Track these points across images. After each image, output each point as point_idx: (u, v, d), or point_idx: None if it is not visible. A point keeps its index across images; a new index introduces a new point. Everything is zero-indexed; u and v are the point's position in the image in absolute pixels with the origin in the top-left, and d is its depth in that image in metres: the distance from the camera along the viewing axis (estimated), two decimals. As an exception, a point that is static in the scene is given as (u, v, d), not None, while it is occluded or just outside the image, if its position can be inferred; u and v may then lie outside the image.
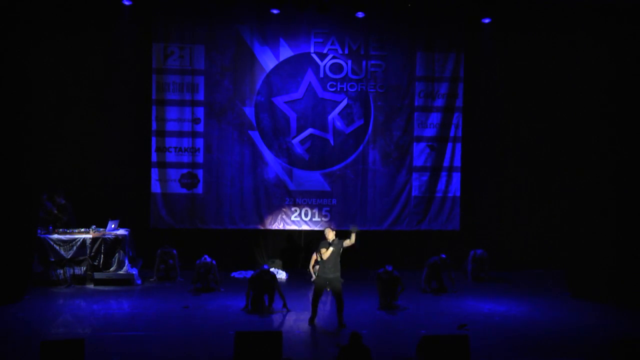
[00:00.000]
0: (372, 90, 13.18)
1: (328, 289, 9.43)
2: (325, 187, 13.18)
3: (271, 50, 12.94)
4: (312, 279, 9.40)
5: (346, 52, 13.09)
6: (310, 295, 9.63)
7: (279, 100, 13.01)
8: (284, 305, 9.99)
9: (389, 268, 10.20)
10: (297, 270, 13.01)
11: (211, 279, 11.23)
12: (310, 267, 11.39)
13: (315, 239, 12.59)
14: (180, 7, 12.69)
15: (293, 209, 13.12)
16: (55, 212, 11.81)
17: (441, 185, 13.38)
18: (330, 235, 9.16)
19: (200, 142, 12.92)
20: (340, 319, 9.17)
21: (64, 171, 12.38)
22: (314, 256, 11.27)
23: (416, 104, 13.27)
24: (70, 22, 12.25)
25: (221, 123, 12.95)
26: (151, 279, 11.80)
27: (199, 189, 12.95)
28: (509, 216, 13.48)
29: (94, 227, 11.74)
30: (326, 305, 10.26)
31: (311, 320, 9.34)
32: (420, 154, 13.33)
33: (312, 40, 13.02)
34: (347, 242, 9.09)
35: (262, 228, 13.13)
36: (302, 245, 13.32)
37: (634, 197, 10.83)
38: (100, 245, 11.41)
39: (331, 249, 9.06)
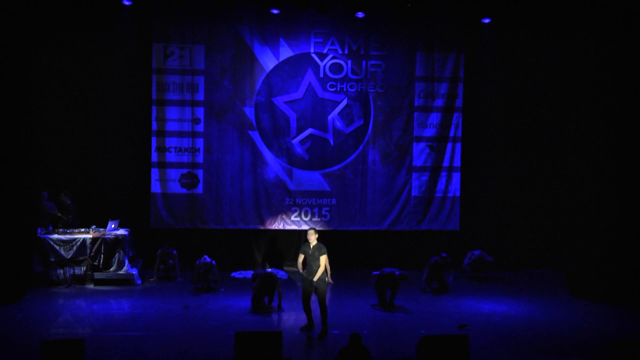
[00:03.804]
0: (372, 90, 13.18)
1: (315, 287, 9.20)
2: (325, 187, 13.18)
3: (271, 50, 12.95)
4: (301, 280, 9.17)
5: (346, 52, 13.09)
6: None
7: (279, 100, 13.02)
8: (279, 305, 10.03)
9: (392, 271, 10.26)
10: (296, 269, 13.03)
11: (211, 279, 11.23)
12: (299, 265, 11.42)
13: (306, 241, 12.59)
14: (180, 7, 12.70)
15: (293, 208, 13.12)
16: (55, 211, 11.81)
17: (441, 185, 13.39)
18: (312, 237, 9.00)
19: (200, 142, 12.92)
20: (324, 325, 8.85)
21: (64, 171, 12.39)
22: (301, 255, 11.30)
23: (416, 104, 13.28)
24: (71, 22, 12.26)
25: (221, 123, 12.96)
26: (151, 279, 11.81)
27: (199, 189, 12.95)
28: (509, 216, 13.48)
29: (94, 227, 11.74)
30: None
31: (304, 329, 9.05)
32: (420, 154, 13.33)
33: (312, 40, 13.02)
34: (323, 261, 8.90)
35: (262, 228, 13.13)
36: (301, 245, 13.28)
37: (634, 197, 10.83)
38: (100, 245, 11.42)
39: (302, 256, 9.08)
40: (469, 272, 12.47)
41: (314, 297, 9.03)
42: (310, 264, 9.01)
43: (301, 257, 9.18)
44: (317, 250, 8.95)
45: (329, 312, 9.07)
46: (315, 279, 8.85)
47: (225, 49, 12.88)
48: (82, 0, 12.22)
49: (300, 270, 9.17)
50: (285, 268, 13.05)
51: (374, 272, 10.51)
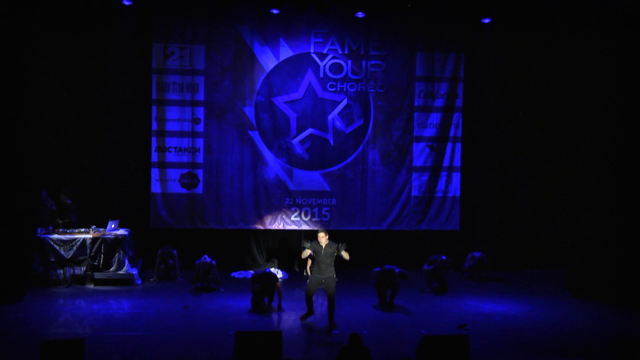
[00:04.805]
0: (372, 90, 13.18)
1: (323, 287, 9.42)
2: (325, 187, 13.18)
3: (271, 50, 12.95)
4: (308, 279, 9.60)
5: (346, 52, 13.09)
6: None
7: (279, 100, 13.02)
8: (279, 305, 10.06)
9: (393, 268, 10.29)
10: (296, 269, 13.05)
11: (211, 279, 11.24)
12: (307, 265, 11.50)
13: (314, 239, 12.60)
14: (180, 7, 12.69)
15: (293, 208, 13.12)
16: (55, 209, 11.81)
17: (441, 185, 13.39)
18: (323, 240, 9.23)
19: (200, 142, 12.92)
20: (331, 320, 9.24)
21: (64, 171, 12.39)
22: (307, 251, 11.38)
23: (416, 104, 13.27)
24: (71, 22, 12.25)
25: (221, 123, 12.96)
26: (151, 279, 11.81)
27: (199, 189, 12.95)
28: (509, 216, 13.48)
29: (94, 227, 11.74)
30: (324, 306, 10.27)
31: (304, 317, 9.44)
32: (420, 153, 13.33)
33: (312, 40, 13.02)
34: (344, 254, 9.24)
35: (262, 228, 13.13)
36: (301, 245, 13.30)
37: (633, 197, 10.83)
38: (100, 245, 11.41)
39: (308, 251, 9.34)
40: (469, 272, 12.48)
41: (315, 297, 9.13)
42: (322, 262, 9.21)
43: (306, 252, 9.40)
44: (330, 248, 9.22)
45: (327, 312, 9.35)
46: (345, 255, 9.15)
47: (225, 49, 12.88)
48: (82, 1, 12.21)
49: (308, 270, 9.35)
50: (296, 268, 13.05)
51: (375, 270, 10.51)
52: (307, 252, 9.47)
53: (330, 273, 9.25)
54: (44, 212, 11.59)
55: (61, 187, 11.97)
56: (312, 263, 11.48)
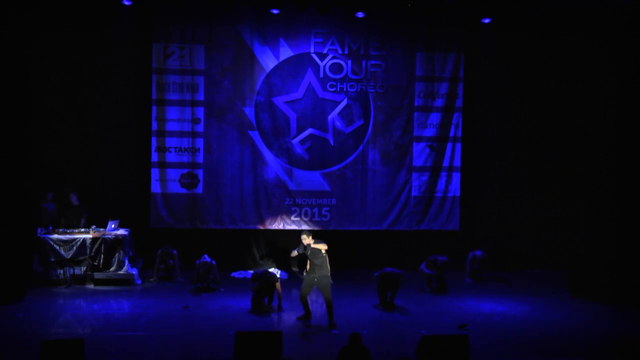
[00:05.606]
0: (372, 90, 13.18)
1: (317, 287, 9.47)
2: (325, 187, 13.18)
3: (271, 50, 12.95)
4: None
5: (346, 52, 13.09)
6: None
7: (279, 100, 13.02)
8: (279, 305, 10.06)
9: (392, 271, 10.28)
10: (295, 269, 13.05)
11: (211, 279, 11.24)
12: (307, 265, 11.52)
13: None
14: (180, 7, 12.69)
15: (293, 209, 13.11)
16: (55, 210, 11.81)
17: (441, 185, 13.39)
18: (307, 240, 9.38)
19: (200, 142, 12.92)
20: (331, 319, 9.27)
21: (64, 171, 12.38)
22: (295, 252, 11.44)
23: (416, 104, 13.27)
24: (71, 23, 12.25)
25: (221, 123, 12.96)
26: (151, 279, 11.81)
27: (199, 189, 12.95)
28: (509, 216, 13.47)
29: (94, 227, 11.74)
30: (324, 306, 10.27)
31: (301, 317, 9.53)
32: (420, 154, 13.33)
33: (312, 40, 13.02)
34: (320, 246, 9.32)
35: (262, 228, 13.13)
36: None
37: (634, 197, 10.84)
38: (100, 245, 11.42)
39: (295, 252, 9.55)
40: (469, 272, 12.46)
41: (315, 296, 9.14)
42: (313, 262, 9.32)
43: (294, 253, 9.60)
44: (317, 245, 9.31)
45: (326, 312, 9.35)
46: (320, 246, 9.23)
47: (225, 49, 12.88)
48: (82, 1, 12.21)
49: (292, 255, 9.70)
50: (294, 269, 13.05)
51: (375, 273, 10.50)
52: (295, 252, 9.63)
53: (323, 271, 9.29)
54: (44, 213, 11.59)
55: (62, 187, 11.97)
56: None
